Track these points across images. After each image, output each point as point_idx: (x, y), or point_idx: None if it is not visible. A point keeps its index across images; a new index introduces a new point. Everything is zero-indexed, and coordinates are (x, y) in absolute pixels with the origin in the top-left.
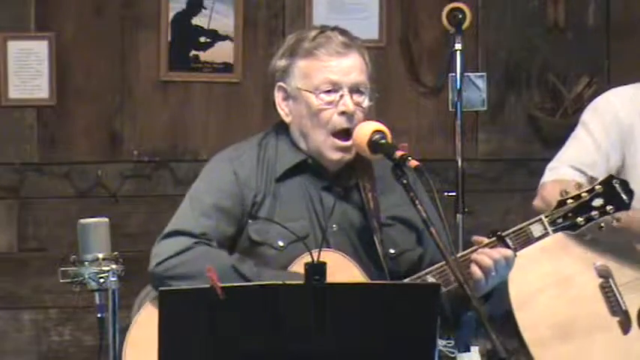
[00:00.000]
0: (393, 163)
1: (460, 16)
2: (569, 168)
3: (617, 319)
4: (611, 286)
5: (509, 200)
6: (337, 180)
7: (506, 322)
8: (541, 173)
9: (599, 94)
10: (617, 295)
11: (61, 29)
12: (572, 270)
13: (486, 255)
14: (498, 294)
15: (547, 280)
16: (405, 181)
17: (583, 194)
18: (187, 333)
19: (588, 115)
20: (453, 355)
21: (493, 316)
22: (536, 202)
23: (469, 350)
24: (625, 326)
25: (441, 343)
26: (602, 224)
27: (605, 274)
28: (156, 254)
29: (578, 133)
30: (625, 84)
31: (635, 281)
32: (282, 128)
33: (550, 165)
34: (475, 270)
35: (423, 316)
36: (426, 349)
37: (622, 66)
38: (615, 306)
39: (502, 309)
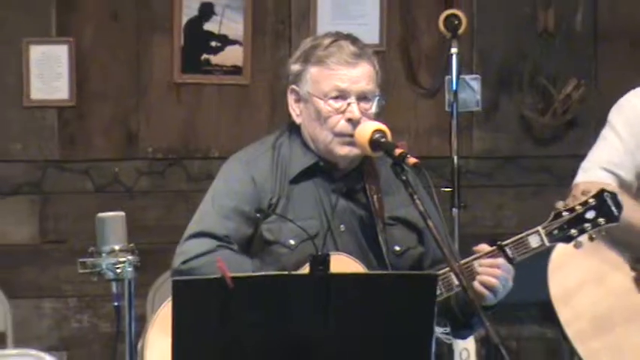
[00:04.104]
0: (393, 160)
1: (456, 21)
2: (600, 170)
3: None
4: None
5: (502, 195)
6: (346, 182)
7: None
8: (532, 170)
9: (587, 96)
10: None
11: (80, 34)
12: (607, 266)
13: (491, 275)
14: None
15: (584, 276)
16: (404, 178)
17: (577, 207)
18: (199, 320)
19: (613, 116)
20: (449, 342)
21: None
22: (569, 201)
23: (465, 337)
24: None
25: (438, 330)
26: (594, 235)
27: (636, 268)
28: (181, 253)
29: (606, 133)
30: (611, 86)
31: None
32: (294, 129)
33: (583, 165)
34: (482, 290)
35: (420, 304)
36: (424, 336)
37: (608, 69)
38: None
39: None
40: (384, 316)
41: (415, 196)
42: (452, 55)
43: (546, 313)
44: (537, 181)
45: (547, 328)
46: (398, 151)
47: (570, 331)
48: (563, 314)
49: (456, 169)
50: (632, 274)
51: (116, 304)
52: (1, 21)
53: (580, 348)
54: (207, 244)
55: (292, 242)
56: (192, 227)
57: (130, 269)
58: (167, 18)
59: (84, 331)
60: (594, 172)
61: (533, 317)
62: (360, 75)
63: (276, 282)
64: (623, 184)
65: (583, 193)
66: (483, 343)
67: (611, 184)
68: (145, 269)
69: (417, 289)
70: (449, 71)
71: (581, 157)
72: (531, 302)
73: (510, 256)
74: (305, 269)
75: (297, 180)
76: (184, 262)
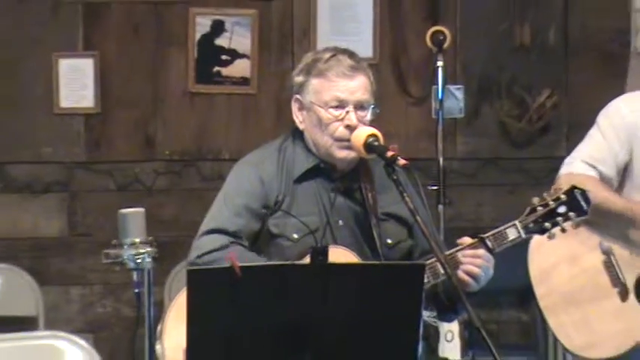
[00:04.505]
0: (385, 161)
1: (441, 37)
2: (582, 163)
3: (617, 289)
4: (612, 263)
5: (482, 193)
6: (343, 182)
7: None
8: (510, 170)
9: (558, 104)
10: (617, 269)
11: (104, 49)
12: (581, 248)
13: (474, 264)
14: None
15: (560, 257)
16: (395, 177)
17: (550, 203)
18: (211, 306)
19: (601, 118)
20: (435, 324)
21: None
22: (553, 191)
23: (450, 320)
24: (623, 295)
25: (425, 313)
26: (565, 227)
27: (607, 253)
28: (197, 247)
29: (593, 132)
30: (581, 95)
31: (632, 258)
32: (297, 134)
33: (566, 160)
34: (466, 278)
35: (409, 291)
36: (413, 319)
37: (578, 80)
38: (615, 279)
39: None
40: (377, 301)
41: (405, 194)
42: (438, 67)
43: (522, 299)
44: (514, 180)
45: (523, 313)
46: (390, 154)
47: (543, 304)
48: (539, 289)
49: (441, 170)
50: (603, 257)
51: (136, 291)
52: (33, 38)
53: (550, 320)
54: (219, 240)
55: (295, 236)
56: (206, 224)
57: (149, 260)
58: (182, 34)
59: (108, 315)
60: (577, 164)
61: (510, 303)
62: (357, 86)
63: (280, 271)
64: (603, 177)
65: (555, 190)
66: (466, 326)
67: (591, 175)
68: (163, 260)
69: (407, 277)
70: (435, 82)
71: (554, 159)
72: (509, 290)
73: (490, 247)
74: (306, 260)
75: (300, 180)
76: (199, 257)
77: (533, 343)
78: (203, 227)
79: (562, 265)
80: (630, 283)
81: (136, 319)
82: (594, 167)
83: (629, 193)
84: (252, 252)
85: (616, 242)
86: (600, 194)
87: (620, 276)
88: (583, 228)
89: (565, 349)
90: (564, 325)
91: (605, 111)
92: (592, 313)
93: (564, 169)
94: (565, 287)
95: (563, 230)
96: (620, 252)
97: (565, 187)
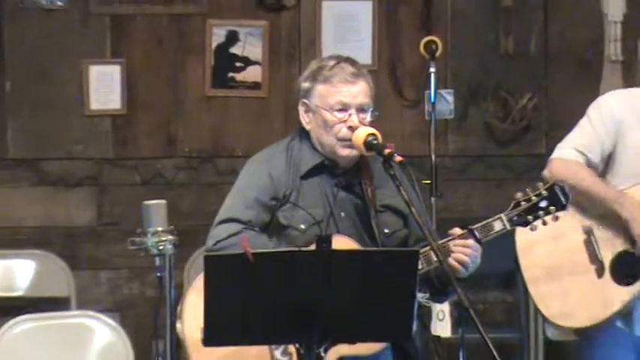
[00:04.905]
0: (383, 158)
1: (434, 46)
2: (573, 150)
3: (594, 266)
4: (591, 241)
5: (471, 187)
6: (345, 177)
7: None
8: (495, 166)
9: (539, 106)
10: (596, 248)
11: (130, 56)
12: (564, 227)
13: (464, 253)
14: None
15: (545, 234)
16: (392, 173)
17: (533, 198)
18: (225, 288)
19: (591, 110)
20: (428, 305)
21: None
22: (545, 173)
23: (441, 301)
24: (599, 272)
25: (419, 295)
26: (547, 220)
27: (588, 232)
28: (213, 236)
29: (583, 122)
30: (559, 99)
31: (610, 239)
32: (304, 134)
33: (559, 145)
34: (456, 265)
35: (405, 275)
36: (408, 299)
37: (557, 84)
38: (593, 256)
39: None
40: (375, 284)
41: (401, 188)
42: (430, 73)
43: (506, 282)
44: (499, 175)
45: (507, 294)
46: (387, 151)
47: (526, 275)
48: (523, 262)
49: (433, 166)
50: (584, 236)
51: (159, 274)
52: (66, 46)
53: (532, 289)
54: (234, 227)
55: (302, 226)
56: (221, 215)
57: (170, 246)
58: (200, 43)
59: (133, 296)
60: (568, 150)
61: (495, 285)
62: (359, 91)
63: (289, 256)
64: (590, 164)
65: (535, 188)
66: (456, 306)
67: (580, 161)
68: (182, 246)
69: (402, 262)
70: (428, 86)
71: (534, 155)
72: (494, 273)
73: (479, 237)
74: (312, 247)
75: (306, 176)
76: (215, 244)
77: (516, 321)
78: (218, 217)
79: (546, 241)
80: (607, 262)
81: (159, 300)
82: (583, 154)
83: (611, 180)
84: (262, 235)
85: (597, 224)
86: (588, 179)
87: (598, 254)
88: (571, 208)
89: (543, 318)
90: (544, 295)
91: (596, 104)
92: (570, 287)
93: (557, 154)
94: (547, 261)
95: (545, 223)
96: (599, 233)
97: (554, 175)
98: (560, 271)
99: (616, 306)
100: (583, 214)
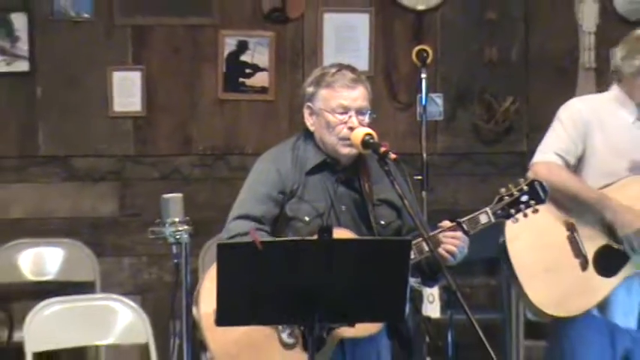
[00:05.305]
0: (378, 156)
1: (425, 54)
2: (553, 154)
3: (579, 260)
4: (575, 237)
5: (458, 182)
6: (345, 174)
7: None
8: (480, 163)
9: (520, 109)
10: (579, 243)
11: (150, 63)
12: (548, 225)
13: (453, 244)
14: None
15: (532, 229)
16: (387, 169)
17: (515, 193)
18: (236, 274)
19: (562, 113)
20: (420, 289)
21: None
22: (529, 175)
23: (432, 285)
24: (583, 265)
25: (411, 280)
26: (527, 213)
27: (571, 229)
28: (227, 231)
29: (556, 126)
30: (539, 102)
31: (591, 235)
32: (308, 135)
33: (539, 148)
34: (446, 255)
35: (398, 262)
36: (401, 284)
37: (537, 89)
38: (577, 251)
39: None
40: (372, 270)
41: (395, 183)
42: (422, 79)
43: (491, 268)
44: (484, 171)
45: (491, 279)
46: (382, 149)
47: (514, 262)
48: (511, 249)
49: (424, 163)
50: (567, 232)
51: (176, 261)
52: (92, 55)
53: (520, 276)
54: (246, 225)
55: (307, 218)
56: (235, 211)
57: (186, 236)
58: (213, 52)
59: (153, 281)
60: (549, 155)
61: (481, 271)
62: (358, 95)
63: (294, 245)
64: (568, 166)
65: (517, 184)
66: (445, 290)
67: (561, 164)
68: (197, 236)
69: (396, 250)
70: (420, 91)
71: (516, 153)
72: (480, 260)
73: (466, 229)
74: (315, 237)
75: (310, 173)
76: (229, 238)
77: (500, 304)
78: (232, 214)
79: (532, 236)
80: (590, 256)
81: (175, 284)
82: (563, 157)
83: (586, 179)
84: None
85: (580, 220)
86: (570, 181)
87: (582, 249)
88: (553, 207)
89: (530, 305)
90: (531, 285)
91: (565, 108)
92: (558, 279)
93: (539, 157)
94: (533, 255)
95: (525, 215)
96: (582, 229)
97: (537, 176)
98: (546, 265)
99: (600, 296)
100: (565, 212)
